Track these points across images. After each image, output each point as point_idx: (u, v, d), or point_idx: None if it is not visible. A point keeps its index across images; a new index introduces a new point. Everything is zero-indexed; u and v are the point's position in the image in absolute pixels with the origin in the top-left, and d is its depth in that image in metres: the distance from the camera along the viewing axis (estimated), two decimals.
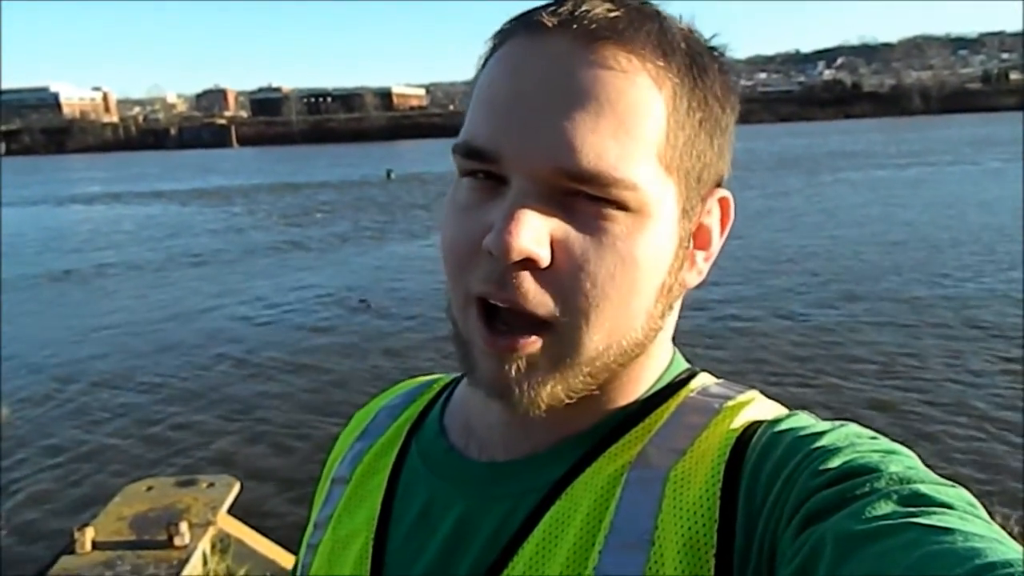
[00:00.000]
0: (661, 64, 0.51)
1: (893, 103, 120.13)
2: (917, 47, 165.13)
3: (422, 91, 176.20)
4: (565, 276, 0.50)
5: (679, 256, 0.55)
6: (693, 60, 0.53)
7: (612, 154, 0.49)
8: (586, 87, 0.49)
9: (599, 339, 0.52)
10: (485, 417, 0.61)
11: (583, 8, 0.51)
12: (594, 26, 0.50)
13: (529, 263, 0.49)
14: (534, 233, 0.49)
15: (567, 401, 0.54)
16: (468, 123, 0.54)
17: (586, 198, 0.50)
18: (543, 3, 0.53)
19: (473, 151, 0.52)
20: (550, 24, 0.50)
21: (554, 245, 0.50)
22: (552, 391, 0.53)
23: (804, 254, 13.94)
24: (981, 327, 9.04)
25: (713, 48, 0.56)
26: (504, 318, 0.51)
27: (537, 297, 0.50)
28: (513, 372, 0.52)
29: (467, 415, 0.64)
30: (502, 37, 0.55)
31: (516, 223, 0.48)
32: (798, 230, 16.66)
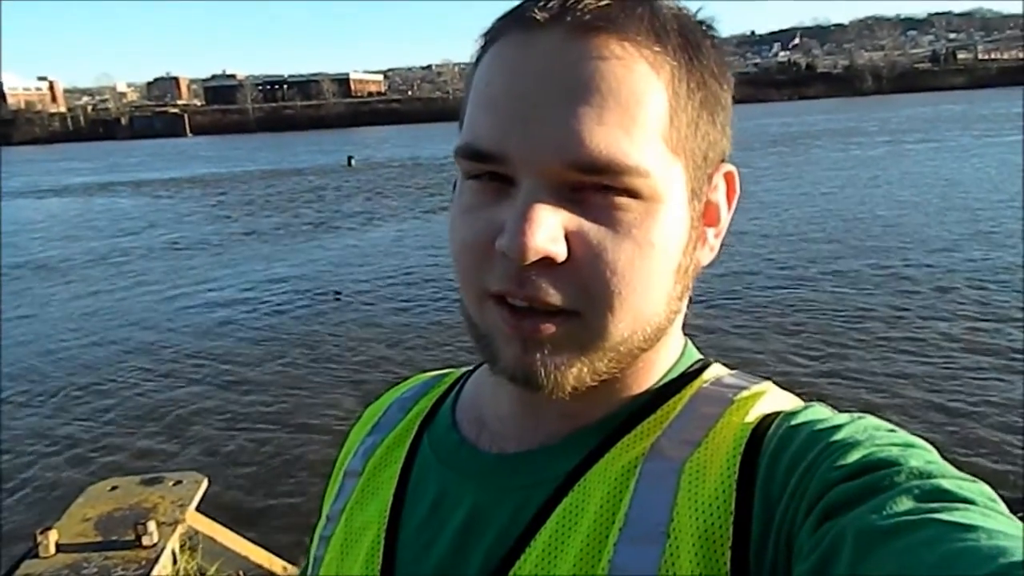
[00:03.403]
0: (657, 49, 0.51)
1: (846, 84, 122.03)
2: (868, 28, 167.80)
3: (380, 77, 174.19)
4: (584, 268, 0.50)
5: (692, 237, 0.56)
6: (687, 40, 0.53)
7: (621, 143, 0.49)
8: (586, 80, 0.49)
9: (623, 326, 0.52)
10: (497, 409, 0.61)
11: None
12: (587, 17, 0.50)
13: (546, 260, 0.49)
14: (548, 231, 0.49)
15: (592, 384, 0.54)
16: (468, 125, 0.54)
17: (596, 190, 0.50)
18: None
19: (478, 153, 0.52)
20: (542, 19, 0.50)
21: (569, 239, 0.50)
22: (578, 374, 0.52)
23: (785, 232, 14.14)
24: (961, 301, 9.27)
25: (702, 23, 0.56)
26: (522, 307, 0.51)
27: (558, 292, 0.50)
28: (538, 355, 0.51)
29: (479, 407, 0.64)
30: (493, 35, 0.54)
31: (529, 223, 0.48)
32: (781, 209, 16.88)
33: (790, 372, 7.24)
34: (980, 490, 0.42)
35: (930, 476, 0.43)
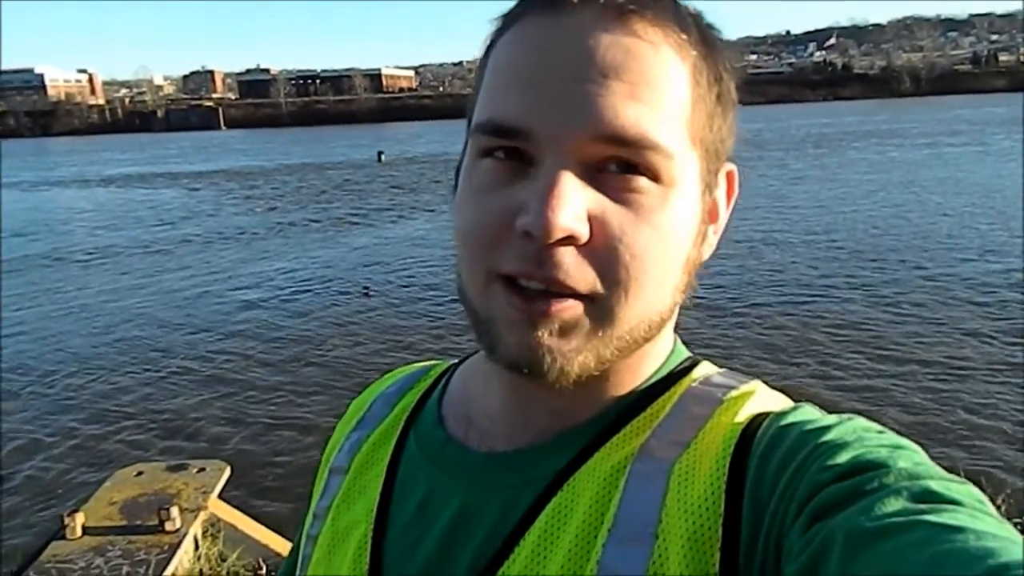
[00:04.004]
0: (683, 37, 0.52)
1: (883, 84, 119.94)
2: (907, 28, 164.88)
3: (411, 73, 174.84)
4: (604, 250, 0.50)
5: (701, 230, 0.56)
6: (704, 36, 0.54)
7: (651, 120, 0.49)
8: (619, 60, 0.49)
9: (635, 312, 0.52)
10: (486, 406, 0.61)
11: None
12: (620, 0, 0.50)
13: (568, 240, 0.49)
14: (574, 209, 0.48)
15: (594, 373, 0.53)
16: (490, 100, 0.53)
17: (617, 171, 0.50)
18: None
19: (501, 128, 0.51)
20: (575, 0, 0.51)
21: (591, 220, 0.49)
22: (584, 360, 0.52)
23: (816, 233, 13.96)
24: (987, 307, 9.09)
25: (711, 26, 0.57)
26: (535, 292, 0.50)
27: (578, 274, 0.49)
28: (546, 337, 0.50)
29: (467, 404, 0.63)
30: (513, 17, 0.54)
31: (556, 199, 0.47)
32: (817, 211, 16.68)
33: (824, 381, 7.15)
34: (968, 491, 0.42)
35: (919, 478, 0.43)
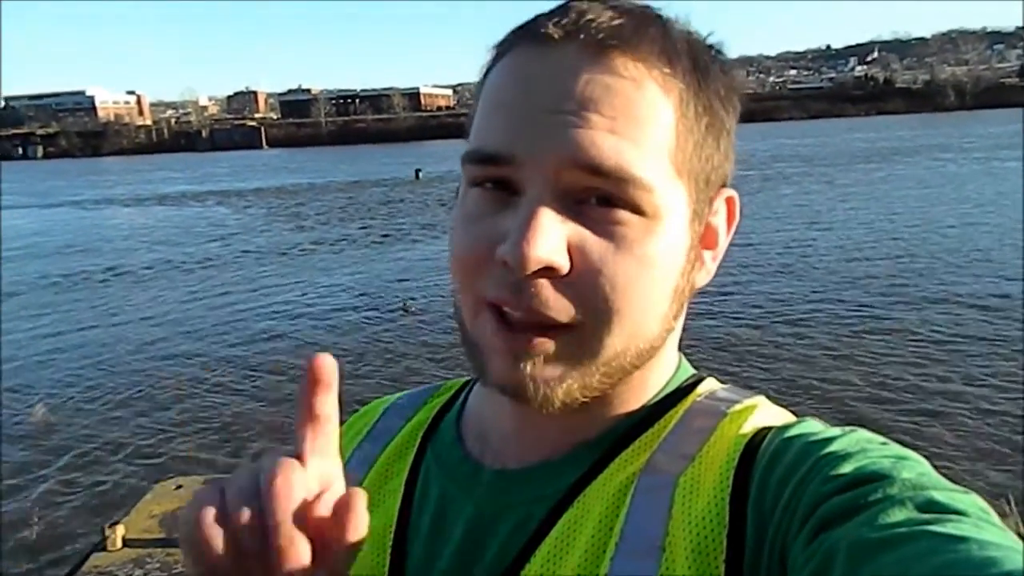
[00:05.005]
0: (667, 71, 0.52)
1: (927, 99, 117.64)
2: (951, 42, 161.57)
3: (449, 91, 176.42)
4: (584, 282, 0.50)
5: (690, 259, 0.56)
6: (696, 64, 0.54)
7: (630, 154, 0.50)
8: (598, 95, 0.50)
9: (618, 342, 0.52)
10: (498, 425, 0.61)
11: (588, 17, 0.51)
12: (600, 35, 0.50)
13: (547, 271, 0.49)
14: (552, 241, 0.49)
15: (582, 400, 0.53)
16: (477, 131, 0.54)
17: (599, 204, 0.50)
18: (546, 11, 0.54)
19: (486, 156, 0.52)
20: (556, 35, 0.51)
21: (571, 251, 0.50)
22: (568, 389, 0.52)
23: (858, 250, 13.72)
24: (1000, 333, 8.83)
25: (711, 47, 0.57)
26: (518, 321, 0.51)
27: (556, 304, 0.50)
28: (528, 369, 0.51)
29: (481, 423, 0.64)
30: (506, 47, 0.55)
31: (533, 232, 0.48)
32: (851, 225, 16.40)
33: (869, 398, 6.99)
34: (972, 502, 0.42)
35: (922, 488, 0.43)
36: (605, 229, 0.50)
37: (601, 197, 0.50)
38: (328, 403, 0.46)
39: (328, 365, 0.45)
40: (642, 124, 0.50)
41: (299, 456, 0.44)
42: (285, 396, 8.01)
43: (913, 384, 7.28)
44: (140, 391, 8.44)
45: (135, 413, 7.81)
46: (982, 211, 17.56)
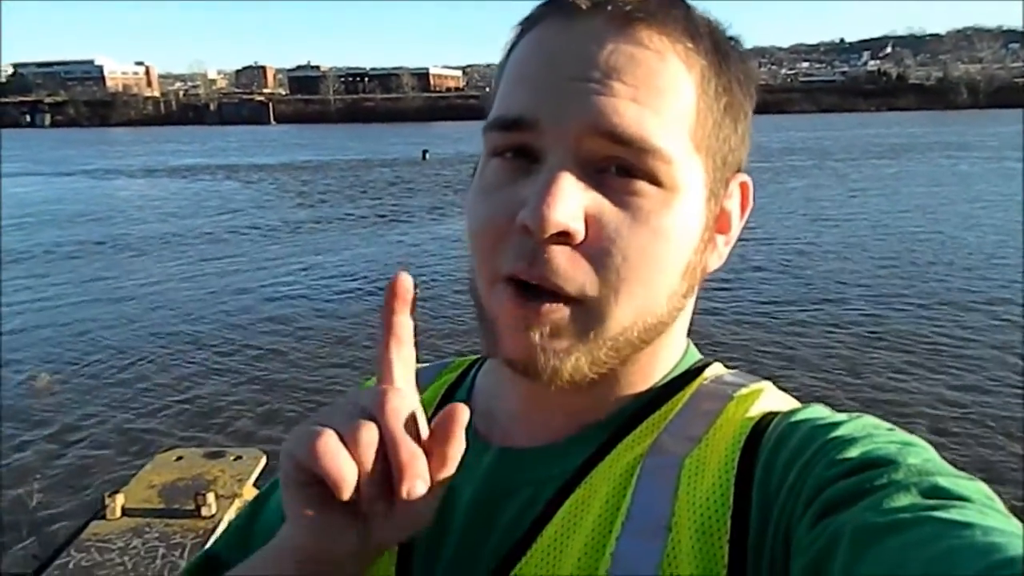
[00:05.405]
0: (691, 46, 0.53)
1: (939, 96, 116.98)
2: (966, 39, 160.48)
3: (459, 73, 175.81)
4: (597, 252, 0.50)
5: (705, 237, 0.56)
6: (717, 46, 0.55)
7: (651, 123, 0.50)
8: (622, 64, 0.51)
9: (626, 315, 0.52)
10: (506, 404, 0.61)
11: None
12: (627, 8, 0.52)
13: (563, 237, 0.50)
14: (571, 207, 0.49)
15: (591, 376, 0.54)
16: (500, 101, 0.55)
17: (618, 174, 0.51)
18: None
19: (509, 121, 0.53)
20: (584, 6, 0.52)
21: (587, 220, 0.50)
22: (576, 363, 0.53)
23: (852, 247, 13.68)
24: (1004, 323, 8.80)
25: (731, 38, 0.58)
26: (533, 294, 0.51)
27: (568, 273, 0.50)
28: (538, 339, 0.51)
29: (489, 401, 0.64)
30: (531, 22, 0.56)
31: (553, 196, 0.48)
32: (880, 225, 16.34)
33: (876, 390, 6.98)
34: (977, 488, 0.42)
35: (928, 474, 0.43)
36: (623, 199, 0.51)
37: (621, 167, 0.51)
38: (406, 325, 0.49)
39: (407, 283, 0.48)
40: (664, 95, 0.51)
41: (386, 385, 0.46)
42: (282, 374, 8.03)
43: (913, 386, 7.27)
44: (142, 365, 8.46)
45: (134, 386, 7.82)
46: (989, 212, 17.47)
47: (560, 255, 0.50)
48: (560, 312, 0.51)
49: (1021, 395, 6.88)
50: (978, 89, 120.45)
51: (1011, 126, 53.32)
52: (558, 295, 0.51)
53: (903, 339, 8.50)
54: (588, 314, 0.52)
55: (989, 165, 28.20)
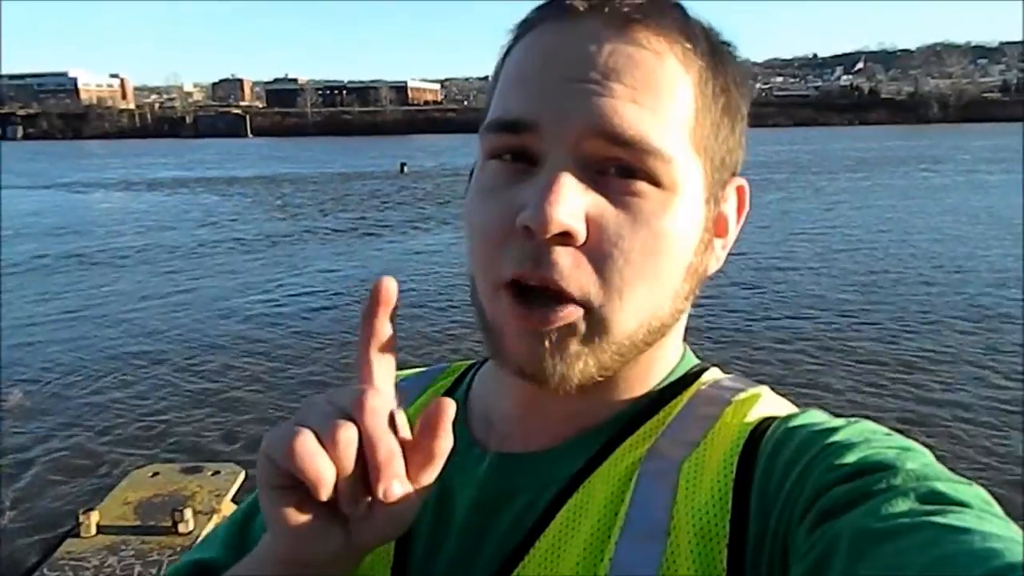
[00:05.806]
0: (688, 47, 0.53)
1: (910, 110, 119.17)
2: (936, 55, 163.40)
3: (437, 86, 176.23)
4: (600, 253, 0.50)
5: (704, 238, 0.56)
6: (713, 47, 0.55)
7: (650, 124, 0.50)
8: (621, 65, 0.51)
9: (631, 317, 0.52)
10: (503, 408, 0.61)
11: None
12: (625, 9, 0.52)
13: (565, 239, 0.49)
14: (572, 207, 0.49)
15: (597, 379, 0.54)
16: (497, 103, 0.54)
17: (618, 175, 0.51)
18: None
19: (507, 123, 0.52)
20: (581, 8, 0.52)
21: (588, 221, 0.50)
22: (584, 367, 0.52)
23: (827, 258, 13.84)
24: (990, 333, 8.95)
25: (726, 42, 0.58)
26: (536, 298, 0.51)
27: (572, 275, 0.50)
28: (546, 345, 0.51)
29: (486, 406, 0.63)
30: (528, 25, 0.56)
31: (555, 195, 0.48)
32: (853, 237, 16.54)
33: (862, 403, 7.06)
34: (975, 493, 0.42)
35: (926, 479, 0.43)
36: (623, 201, 0.51)
37: (621, 168, 0.51)
38: (388, 325, 0.49)
39: (391, 287, 0.49)
40: (663, 96, 0.51)
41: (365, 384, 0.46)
42: (261, 389, 7.97)
43: (888, 402, 7.37)
44: (116, 379, 8.35)
45: (108, 400, 7.73)
46: (963, 224, 17.79)
47: (563, 256, 0.50)
48: (566, 317, 0.51)
49: (996, 405, 7.00)
50: (948, 104, 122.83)
51: (981, 140, 54.37)
52: (562, 298, 0.50)
53: (874, 354, 8.61)
54: (594, 318, 0.51)
55: (959, 178, 28.75)
